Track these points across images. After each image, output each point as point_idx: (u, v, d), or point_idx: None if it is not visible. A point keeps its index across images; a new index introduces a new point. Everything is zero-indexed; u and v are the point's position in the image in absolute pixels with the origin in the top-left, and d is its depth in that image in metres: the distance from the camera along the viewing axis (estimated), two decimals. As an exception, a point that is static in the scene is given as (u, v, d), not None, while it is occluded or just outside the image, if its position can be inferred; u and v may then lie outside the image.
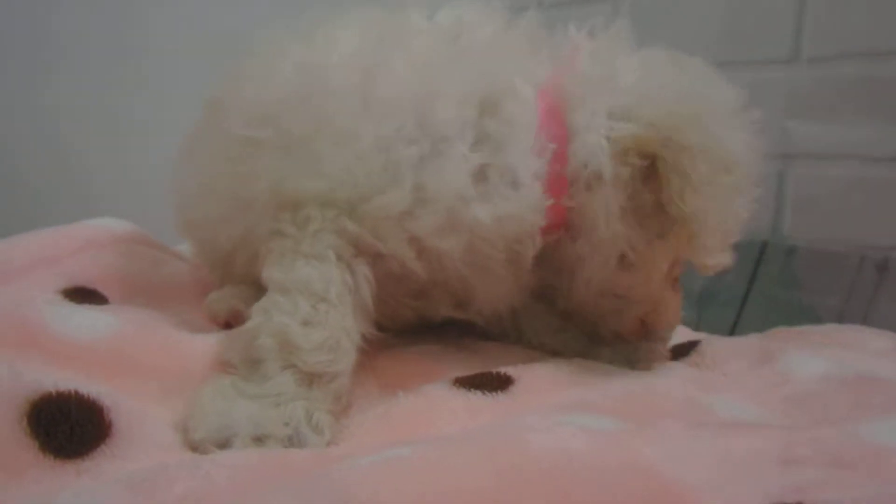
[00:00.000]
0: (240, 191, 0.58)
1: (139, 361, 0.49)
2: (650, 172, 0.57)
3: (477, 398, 0.51)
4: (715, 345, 0.69)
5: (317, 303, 0.50)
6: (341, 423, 0.50)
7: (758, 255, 1.12)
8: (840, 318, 1.02)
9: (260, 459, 0.40)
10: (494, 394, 0.51)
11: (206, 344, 0.53)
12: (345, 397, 0.51)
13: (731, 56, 1.16)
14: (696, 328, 1.15)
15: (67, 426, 0.38)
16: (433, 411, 0.49)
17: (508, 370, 0.55)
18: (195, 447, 0.44)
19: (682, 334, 0.93)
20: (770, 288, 1.09)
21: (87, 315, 0.51)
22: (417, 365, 0.59)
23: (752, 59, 1.13)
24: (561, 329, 0.69)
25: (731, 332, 1.11)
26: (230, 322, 0.64)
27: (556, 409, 0.48)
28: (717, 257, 0.59)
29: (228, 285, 0.70)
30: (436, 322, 0.67)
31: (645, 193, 0.58)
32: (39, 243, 0.66)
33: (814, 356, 0.62)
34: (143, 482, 0.36)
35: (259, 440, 0.45)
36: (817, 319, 1.04)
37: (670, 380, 0.56)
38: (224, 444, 0.44)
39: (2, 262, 0.61)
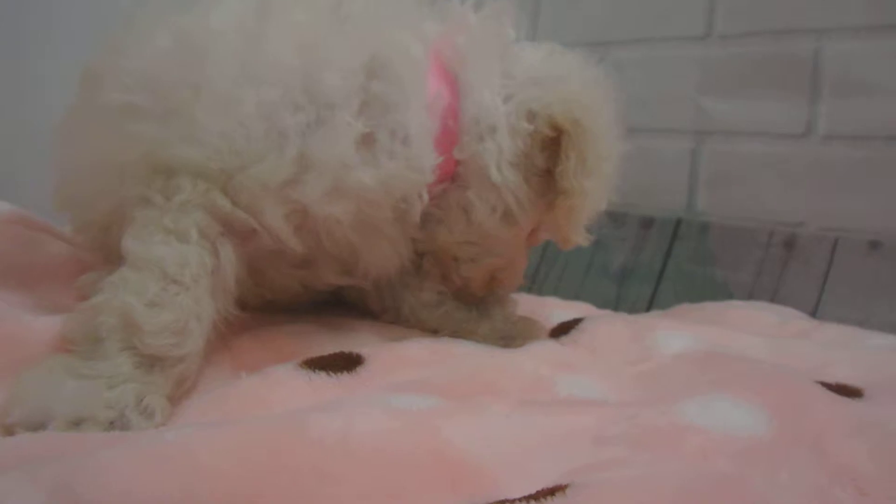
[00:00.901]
0: (115, 159, 0.56)
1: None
2: (550, 143, 0.61)
3: (321, 379, 0.50)
4: (596, 323, 0.69)
5: (167, 284, 0.49)
6: (183, 406, 0.49)
7: (673, 231, 1.13)
8: (751, 294, 1.04)
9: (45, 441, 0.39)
10: (339, 374, 0.51)
11: (55, 324, 0.52)
12: (189, 381, 0.50)
13: (648, 33, 1.16)
14: (616, 305, 1.17)
15: None
16: (271, 392, 0.49)
17: (364, 351, 0.54)
18: (9, 431, 0.42)
19: (581, 311, 0.95)
20: (685, 264, 1.10)
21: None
22: (278, 346, 0.58)
23: (668, 35, 1.13)
24: (438, 304, 0.69)
25: (649, 307, 1.12)
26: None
27: (388, 389, 0.47)
28: (582, 234, 0.63)
29: (108, 266, 0.68)
30: (323, 292, 0.67)
31: (538, 158, 0.62)
32: None
33: (679, 333, 0.63)
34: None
35: (76, 423, 0.43)
36: (729, 295, 1.05)
37: (526, 358, 0.56)
38: (39, 427, 0.42)
39: None
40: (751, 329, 0.73)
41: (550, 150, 0.61)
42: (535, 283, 1.23)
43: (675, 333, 0.63)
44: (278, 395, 0.48)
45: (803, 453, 0.39)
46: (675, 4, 1.12)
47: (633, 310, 1.11)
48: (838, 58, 0.98)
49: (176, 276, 0.49)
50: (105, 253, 0.69)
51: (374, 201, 0.56)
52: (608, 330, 0.67)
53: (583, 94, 0.61)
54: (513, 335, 0.67)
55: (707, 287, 1.07)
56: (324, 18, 0.58)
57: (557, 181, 0.60)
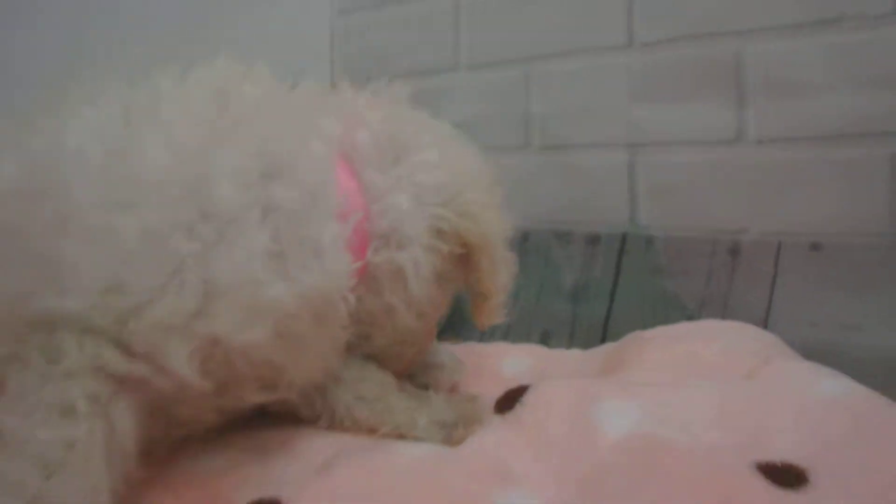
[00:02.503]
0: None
1: None
2: (460, 256, 0.65)
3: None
4: (541, 392, 0.67)
5: (50, 473, 0.43)
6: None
7: (619, 246, 1.10)
8: (702, 303, 1.02)
9: None
10: None
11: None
12: None
13: (572, 44, 1.12)
14: (573, 325, 1.15)
15: None
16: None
17: (284, 493, 0.51)
18: None
19: (532, 355, 0.93)
20: (636, 278, 1.08)
21: None
22: (204, 488, 0.54)
23: (591, 45, 1.09)
24: (376, 398, 0.66)
25: (605, 324, 1.10)
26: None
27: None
28: (500, 316, 0.70)
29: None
30: (246, 413, 0.64)
31: (451, 271, 0.66)
32: None
33: (625, 406, 0.60)
34: None
35: None
36: (682, 307, 1.03)
37: (459, 465, 0.54)
38: None
39: None
40: (696, 372, 0.72)
41: (461, 261, 0.65)
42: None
43: (620, 407, 0.60)
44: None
45: None
46: (594, 13, 1.09)
47: (590, 328, 1.10)
48: (762, 59, 0.95)
49: (61, 462, 0.43)
50: None
51: (293, 315, 0.51)
52: (553, 405, 0.64)
53: (483, 202, 0.63)
54: (455, 422, 0.64)
55: (659, 300, 1.05)
56: (205, 119, 0.52)
57: (473, 286, 0.66)
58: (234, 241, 0.48)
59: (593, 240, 1.14)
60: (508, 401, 0.68)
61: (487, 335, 1.10)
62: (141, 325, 0.46)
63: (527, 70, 1.17)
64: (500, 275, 0.66)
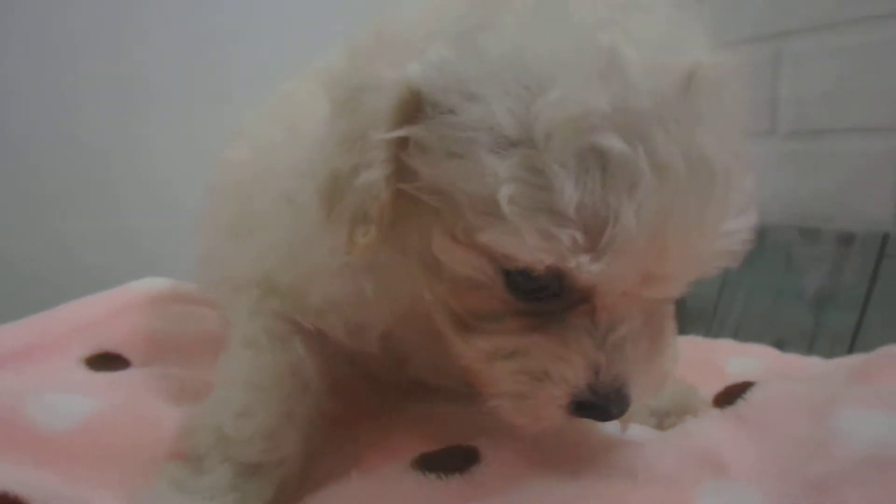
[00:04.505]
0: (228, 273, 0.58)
1: (108, 447, 0.51)
2: None
3: (430, 483, 0.47)
4: (768, 391, 0.59)
5: (250, 391, 0.50)
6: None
7: (879, 249, 0.94)
8: None
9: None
10: (451, 476, 0.47)
11: (179, 424, 0.54)
12: (293, 483, 0.50)
13: (833, 16, 0.98)
14: (813, 336, 1.01)
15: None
16: (383, 496, 0.46)
17: (480, 443, 0.50)
18: None
19: (761, 356, 0.82)
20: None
21: (67, 403, 0.54)
22: (390, 440, 0.55)
23: (858, 16, 0.95)
24: None
25: (853, 339, 0.95)
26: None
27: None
28: None
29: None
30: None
31: None
32: (78, 312, 0.71)
33: (871, 414, 0.51)
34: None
35: None
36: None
37: (668, 455, 0.48)
38: None
39: (37, 336, 0.66)
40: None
41: None
42: (717, 313, 1.10)
43: (864, 415, 0.51)
44: (390, 500, 0.46)
45: None
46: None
47: (834, 343, 0.96)
48: None
49: (257, 383, 0.49)
50: None
51: None
52: (782, 403, 0.56)
53: None
54: (667, 411, 0.59)
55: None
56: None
57: None
58: None
59: (846, 239, 0.99)
60: (729, 395, 0.60)
61: (715, 331, 1.01)
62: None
63: (778, 46, 1.06)
64: None
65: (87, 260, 1.16)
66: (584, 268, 0.35)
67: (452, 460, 0.49)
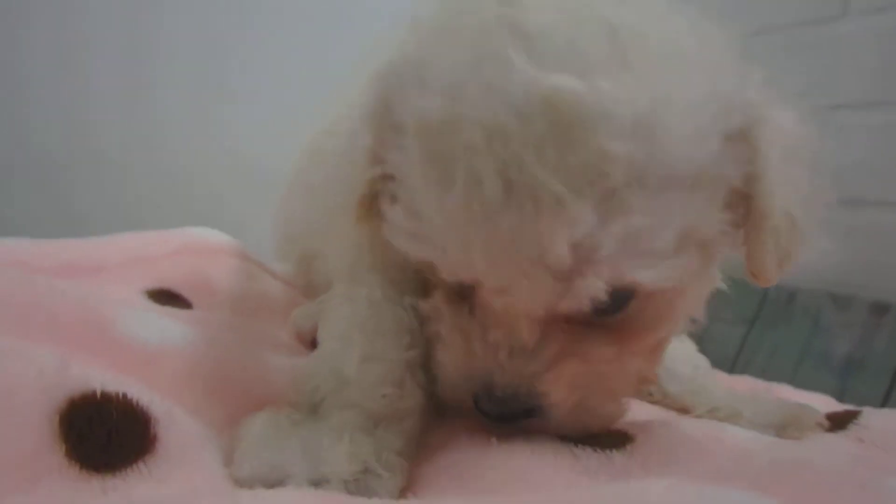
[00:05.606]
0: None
1: (207, 379, 0.44)
2: None
3: (586, 455, 0.42)
4: (881, 418, 0.57)
5: (374, 336, 0.45)
6: (424, 468, 0.43)
7: (917, 318, 0.96)
8: None
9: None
10: (608, 451, 0.43)
11: (283, 371, 0.48)
12: (416, 439, 0.44)
13: (882, 95, 1.02)
14: (840, 401, 1.01)
15: (104, 432, 0.32)
16: (533, 467, 0.41)
17: (632, 429, 0.46)
18: (241, 486, 0.37)
19: (826, 404, 0.81)
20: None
21: (160, 322, 0.47)
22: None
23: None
24: (691, 377, 0.60)
25: (882, 406, 0.95)
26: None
27: (685, 480, 0.38)
28: None
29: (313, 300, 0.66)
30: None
31: None
32: (137, 243, 0.65)
33: None
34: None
35: (317, 482, 0.38)
36: None
37: (831, 454, 0.45)
38: (276, 484, 0.37)
39: (98, 258, 0.59)
40: None
41: None
42: (735, 372, 1.09)
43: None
44: (541, 469, 0.41)
45: None
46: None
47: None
48: None
49: (380, 330, 0.46)
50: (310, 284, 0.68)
51: None
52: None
53: None
54: (783, 424, 0.56)
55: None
56: None
57: None
58: None
59: (880, 309, 1.00)
60: (839, 420, 0.58)
61: (739, 369, 0.99)
62: None
63: (826, 117, 1.09)
64: None
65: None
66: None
67: (606, 437, 0.44)
